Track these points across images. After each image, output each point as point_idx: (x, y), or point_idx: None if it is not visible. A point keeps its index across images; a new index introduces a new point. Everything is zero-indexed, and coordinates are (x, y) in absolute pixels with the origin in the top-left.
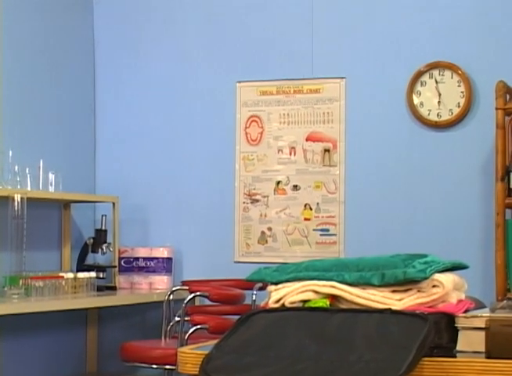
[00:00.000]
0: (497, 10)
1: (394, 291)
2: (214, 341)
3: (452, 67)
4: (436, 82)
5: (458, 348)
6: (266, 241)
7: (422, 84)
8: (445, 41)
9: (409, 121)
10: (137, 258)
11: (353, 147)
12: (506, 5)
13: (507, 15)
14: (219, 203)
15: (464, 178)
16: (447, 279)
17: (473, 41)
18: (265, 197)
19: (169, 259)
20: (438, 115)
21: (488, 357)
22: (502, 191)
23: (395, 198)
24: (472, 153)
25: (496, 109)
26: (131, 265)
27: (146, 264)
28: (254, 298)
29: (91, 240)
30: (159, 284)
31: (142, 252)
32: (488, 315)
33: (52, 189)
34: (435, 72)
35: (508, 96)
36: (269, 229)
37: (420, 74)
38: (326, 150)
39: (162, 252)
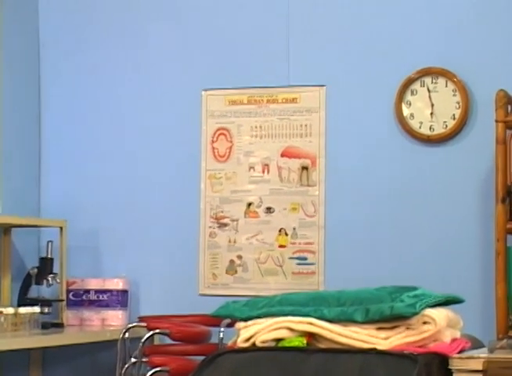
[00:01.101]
0: (498, 10)
1: (379, 329)
2: None
3: (446, 74)
4: (428, 91)
5: None
6: (235, 271)
7: (412, 93)
8: (439, 44)
9: (398, 135)
10: (87, 291)
11: (334, 164)
12: (508, 4)
13: (510, 16)
14: (182, 227)
15: (460, 199)
16: (440, 315)
17: (470, 45)
18: (234, 220)
19: (124, 292)
20: (430, 128)
21: None
22: (504, 214)
23: (382, 222)
24: (469, 172)
25: (496, 121)
26: (80, 299)
27: (97, 297)
28: (221, 336)
29: (35, 270)
30: (112, 320)
31: (94, 284)
32: (485, 356)
33: None
34: (427, 79)
35: (510, 107)
36: (239, 257)
37: (410, 81)
38: (304, 168)
39: (116, 284)
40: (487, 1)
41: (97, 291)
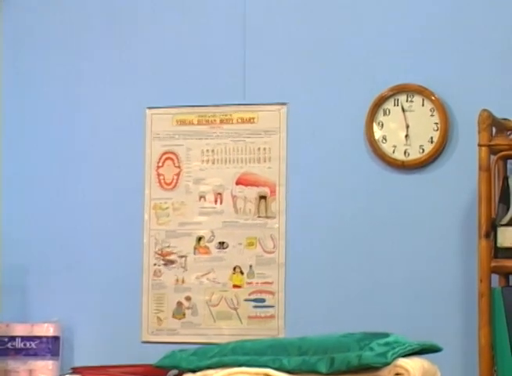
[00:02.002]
0: (481, 21)
1: None
2: None
3: (423, 92)
4: (403, 110)
5: None
6: (184, 315)
7: (385, 113)
8: (415, 58)
9: (369, 160)
10: (13, 338)
11: (297, 193)
12: (491, 15)
13: (493, 27)
14: (123, 264)
15: (438, 233)
16: (414, 365)
17: (450, 59)
18: (182, 257)
19: (56, 339)
20: (405, 153)
21: None
22: (487, 251)
23: (351, 259)
24: (448, 202)
25: (479, 146)
26: (5, 347)
27: (24, 345)
28: None
29: None
30: (42, 372)
31: (20, 330)
32: None
33: None
34: (402, 97)
35: (494, 130)
36: (188, 298)
37: (382, 99)
38: (262, 197)
39: (46, 329)
40: (467, 12)
41: (24, 338)
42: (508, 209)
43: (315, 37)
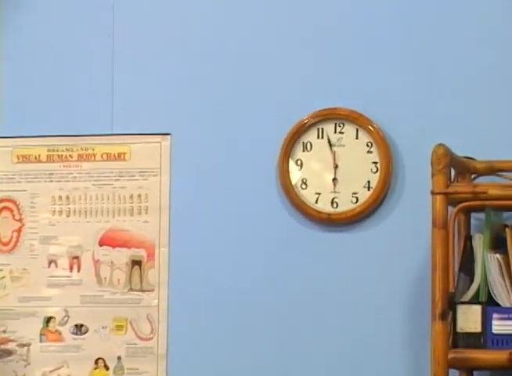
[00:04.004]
0: (435, 30)
1: None
2: None
3: (357, 119)
4: (330, 145)
5: None
6: None
7: (305, 149)
8: (347, 75)
9: (283, 213)
10: None
11: (183, 257)
12: (440, 21)
13: (449, 37)
14: None
15: (377, 313)
16: None
17: (394, 77)
18: (23, 345)
19: None
20: (332, 203)
21: None
22: (443, 338)
23: (259, 344)
24: (391, 271)
25: (433, 194)
26: None
27: None
28: None
29: None
30: None
31: None
32: None
33: None
34: (329, 127)
35: (453, 172)
36: None
37: (301, 129)
38: (136, 263)
39: None
40: (415, 20)
41: None
42: (472, 281)
43: (210, 48)
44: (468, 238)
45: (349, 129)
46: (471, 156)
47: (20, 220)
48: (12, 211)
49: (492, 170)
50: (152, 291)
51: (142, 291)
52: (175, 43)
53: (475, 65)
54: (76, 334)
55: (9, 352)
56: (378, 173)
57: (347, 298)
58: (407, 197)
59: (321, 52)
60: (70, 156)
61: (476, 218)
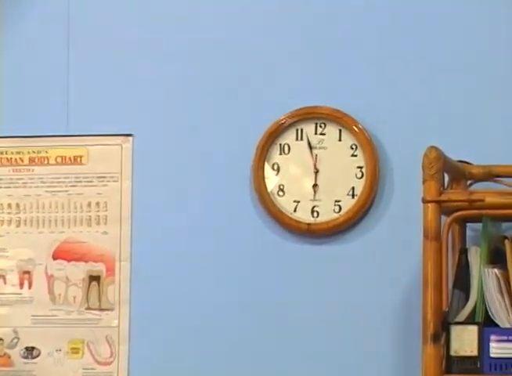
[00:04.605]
0: (419, 25)
1: None
2: None
3: (340, 119)
4: (310, 147)
5: None
6: None
7: (283, 152)
8: (329, 71)
9: (258, 223)
10: None
11: (147, 272)
12: (429, 18)
13: (440, 34)
14: None
15: (362, 334)
16: None
17: (381, 74)
18: None
19: None
20: (313, 212)
21: None
22: (436, 361)
23: (231, 367)
24: (377, 287)
25: (425, 202)
26: None
27: None
28: None
29: None
30: None
31: None
32: None
33: None
34: (309, 128)
35: (447, 178)
36: None
37: (278, 129)
38: (94, 278)
39: None
40: (401, 15)
41: None
42: (467, 299)
43: (180, 42)
44: (463, 251)
45: (331, 130)
46: (467, 160)
47: None
48: None
49: (490, 175)
50: (111, 309)
51: (101, 309)
52: (138, 37)
53: (471, 59)
54: (27, 357)
55: None
56: (363, 179)
57: (328, 318)
58: (395, 206)
59: (301, 46)
60: (21, 159)
61: (472, 228)
